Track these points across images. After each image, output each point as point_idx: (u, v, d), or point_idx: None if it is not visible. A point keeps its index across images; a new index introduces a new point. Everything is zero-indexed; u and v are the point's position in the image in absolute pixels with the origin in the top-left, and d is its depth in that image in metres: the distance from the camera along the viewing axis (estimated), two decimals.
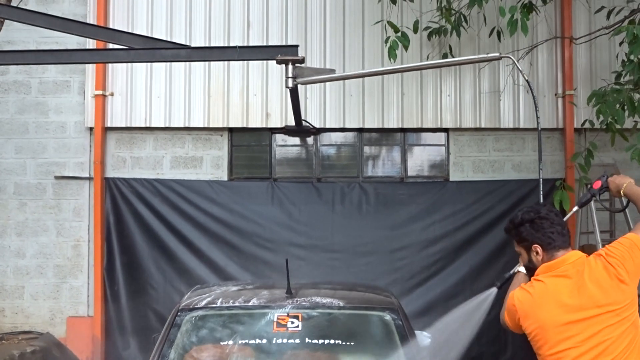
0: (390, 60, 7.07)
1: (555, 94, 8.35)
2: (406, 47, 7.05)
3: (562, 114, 8.31)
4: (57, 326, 8.26)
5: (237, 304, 4.41)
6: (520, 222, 3.25)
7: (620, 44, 7.33)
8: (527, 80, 5.06)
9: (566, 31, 8.25)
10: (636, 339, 2.99)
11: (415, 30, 7.70)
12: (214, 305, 4.40)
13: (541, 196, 5.25)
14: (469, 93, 8.37)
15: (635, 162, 6.27)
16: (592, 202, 7.51)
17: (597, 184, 3.44)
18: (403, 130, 8.51)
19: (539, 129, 4.90)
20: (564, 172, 8.22)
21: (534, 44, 8.16)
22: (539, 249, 3.18)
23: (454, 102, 8.37)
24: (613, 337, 2.95)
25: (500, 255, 7.98)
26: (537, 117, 5.30)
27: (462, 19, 7.65)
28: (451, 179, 8.43)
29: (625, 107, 6.39)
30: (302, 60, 5.41)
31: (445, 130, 8.49)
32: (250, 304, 4.35)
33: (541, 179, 4.98)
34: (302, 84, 4.98)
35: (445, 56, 8.06)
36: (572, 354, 2.97)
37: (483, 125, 8.37)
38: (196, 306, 4.38)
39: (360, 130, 8.53)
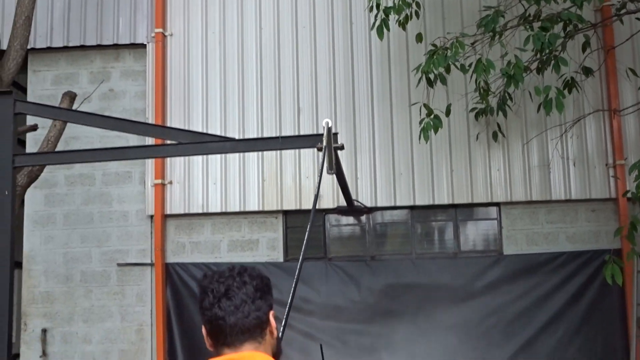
0: (420, 141, 7.31)
1: (606, 164, 8.35)
2: (436, 130, 7.20)
3: (613, 184, 8.29)
4: None
5: None
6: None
7: None
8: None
9: (613, 103, 8.30)
10: None
11: (447, 114, 7.78)
12: None
13: None
14: (517, 167, 8.44)
15: None
16: None
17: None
18: (454, 206, 8.60)
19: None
20: (620, 243, 8.14)
21: (578, 117, 8.23)
22: (204, 330, 2.19)
23: (504, 176, 8.44)
24: None
25: (554, 329, 7.97)
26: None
27: (507, 97, 7.77)
28: (505, 252, 8.43)
29: None
30: (342, 147, 5.68)
31: (497, 204, 8.54)
32: None
33: None
34: (330, 173, 5.21)
35: (495, 135, 8.22)
36: None
37: (534, 198, 8.40)
38: None
39: (411, 208, 8.65)
